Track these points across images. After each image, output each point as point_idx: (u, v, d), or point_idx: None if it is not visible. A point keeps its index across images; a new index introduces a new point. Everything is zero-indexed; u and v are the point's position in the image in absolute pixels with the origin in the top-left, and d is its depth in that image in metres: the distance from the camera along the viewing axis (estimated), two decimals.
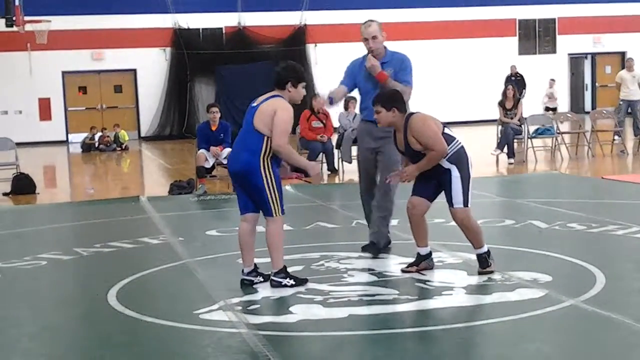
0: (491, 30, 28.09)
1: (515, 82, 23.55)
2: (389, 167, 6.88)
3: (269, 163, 5.89)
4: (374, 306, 5.40)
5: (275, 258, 5.95)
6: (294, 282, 5.92)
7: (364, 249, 7.12)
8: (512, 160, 14.62)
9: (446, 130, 6.08)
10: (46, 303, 6.08)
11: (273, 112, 5.92)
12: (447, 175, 6.07)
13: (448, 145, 6.02)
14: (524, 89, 24.53)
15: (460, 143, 6.11)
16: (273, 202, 5.88)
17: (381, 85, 6.87)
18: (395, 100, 6.16)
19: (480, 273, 6.12)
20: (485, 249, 6.21)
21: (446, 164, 6.05)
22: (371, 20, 7.14)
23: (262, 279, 6.07)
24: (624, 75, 18.02)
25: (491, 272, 6.11)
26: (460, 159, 6.08)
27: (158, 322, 5.28)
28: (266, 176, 5.86)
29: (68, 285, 6.82)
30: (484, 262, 6.19)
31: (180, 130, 25.99)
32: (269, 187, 5.86)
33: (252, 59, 26.20)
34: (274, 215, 5.90)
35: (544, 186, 11.85)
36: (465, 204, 6.10)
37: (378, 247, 7.03)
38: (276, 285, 5.90)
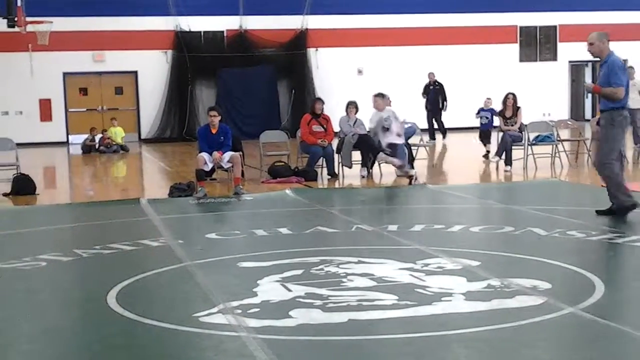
0: (492, 37, 28.14)
1: (434, 91, 22.67)
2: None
3: None
4: (373, 311, 5.40)
5: None
6: None
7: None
8: (508, 168, 14.63)
9: None
10: (45, 304, 6.08)
11: None
12: None
13: None
14: (445, 99, 22.83)
15: None
16: None
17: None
18: None
19: None
20: None
21: None
22: (593, 32, 9.13)
23: None
24: None
25: None
26: None
27: (157, 324, 5.28)
28: None
29: (67, 286, 6.82)
30: None
31: (180, 132, 26.01)
32: None
33: (253, 62, 26.24)
34: None
35: (544, 193, 11.86)
36: None
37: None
38: None
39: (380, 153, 14.35)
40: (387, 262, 6.88)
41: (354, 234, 8.60)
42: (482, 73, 27.49)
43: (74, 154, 22.81)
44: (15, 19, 21.65)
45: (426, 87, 23.08)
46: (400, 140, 13.72)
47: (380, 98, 13.84)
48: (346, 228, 8.95)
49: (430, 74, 23.14)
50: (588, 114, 29.41)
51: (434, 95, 22.79)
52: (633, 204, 8.89)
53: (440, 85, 22.98)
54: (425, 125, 22.13)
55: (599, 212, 9.06)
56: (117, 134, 23.11)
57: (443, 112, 22.90)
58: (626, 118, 8.98)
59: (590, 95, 30.06)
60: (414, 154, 14.90)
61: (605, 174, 8.99)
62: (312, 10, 26.57)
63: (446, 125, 23.40)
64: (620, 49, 31.86)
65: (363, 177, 14.07)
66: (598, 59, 9.14)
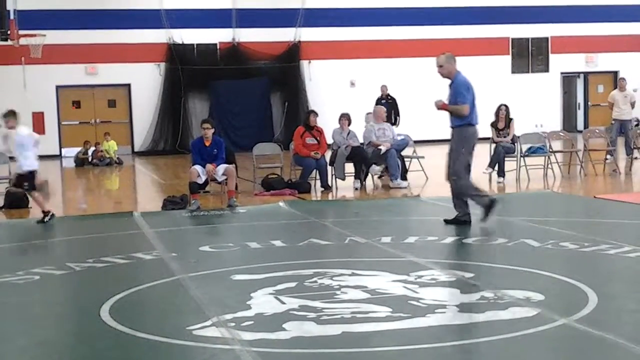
0: (484, 49, 28.20)
1: (386, 105, 20.97)
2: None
3: None
4: (367, 324, 5.40)
5: None
6: None
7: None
8: (501, 179, 14.68)
9: None
10: (39, 318, 6.06)
11: None
12: None
13: None
14: (397, 114, 21.15)
15: None
16: None
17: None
18: None
19: None
20: None
21: None
22: (442, 54, 9.68)
23: None
24: (616, 95, 18.14)
25: None
26: None
27: (151, 337, 5.27)
28: None
29: (61, 300, 6.81)
30: None
31: (173, 145, 26.00)
32: None
33: (246, 74, 26.27)
34: None
35: (537, 205, 11.88)
36: None
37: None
38: None
39: (373, 165, 14.38)
40: (381, 274, 6.89)
41: (347, 246, 8.61)
42: (474, 85, 27.52)
43: (67, 167, 22.77)
44: (8, 32, 21.65)
45: (378, 101, 21.53)
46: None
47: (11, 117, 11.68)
48: (339, 240, 8.96)
49: (383, 87, 22.04)
50: (580, 125, 29.50)
51: (387, 109, 21.84)
52: (492, 200, 9.21)
53: (393, 99, 21.80)
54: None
55: (446, 222, 9.44)
56: (110, 147, 23.10)
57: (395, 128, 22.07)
58: (474, 134, 9.40)
59: (582, 106, 30.25)
60: (407, 166, 14.91)
61: (459, 187, 9.31)
62: (305, 23, 26.63)
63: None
64: (611, 61, 31.88)
65: (356, 189, 14.08)
66: (448, 79, 9.57)
